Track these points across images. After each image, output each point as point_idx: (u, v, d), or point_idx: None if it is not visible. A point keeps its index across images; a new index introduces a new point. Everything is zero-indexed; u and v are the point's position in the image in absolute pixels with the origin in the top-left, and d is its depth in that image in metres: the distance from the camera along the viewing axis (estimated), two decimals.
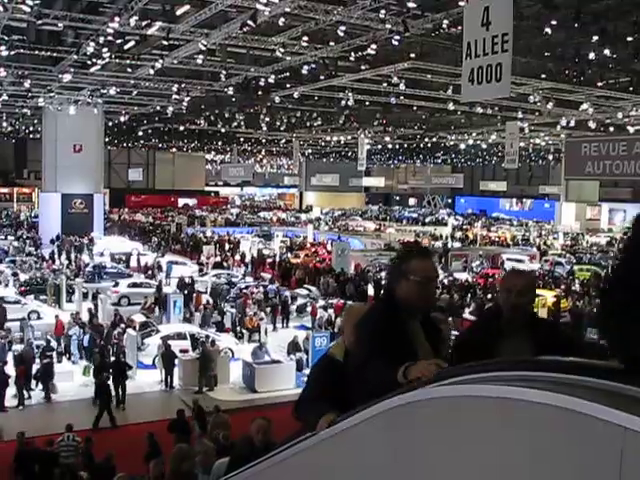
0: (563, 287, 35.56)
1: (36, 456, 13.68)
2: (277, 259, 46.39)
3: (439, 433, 2.67)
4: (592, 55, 25.32)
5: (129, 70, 32.23)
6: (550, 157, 69.87)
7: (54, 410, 18.88)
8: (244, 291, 32.16)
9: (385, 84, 32.85)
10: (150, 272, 38.12)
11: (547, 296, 31.69)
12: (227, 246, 51.95)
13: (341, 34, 24.03)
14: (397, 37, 23.27)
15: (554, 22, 21.90)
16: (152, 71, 30.32)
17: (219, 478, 5.56)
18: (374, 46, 24.86)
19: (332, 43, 26.41)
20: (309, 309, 29.77)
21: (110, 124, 52.70)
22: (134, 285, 32.85)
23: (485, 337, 3.79)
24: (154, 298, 29.69)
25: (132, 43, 26.92)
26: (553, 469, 2.13)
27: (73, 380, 21.14)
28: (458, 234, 65.62)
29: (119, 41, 26.17)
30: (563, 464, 2.11)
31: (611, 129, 43.03)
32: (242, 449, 6.19)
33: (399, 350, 3.41)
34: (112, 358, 21.26)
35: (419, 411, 2.77)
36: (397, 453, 2.95)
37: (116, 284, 33.07)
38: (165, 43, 25.82)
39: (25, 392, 19.36)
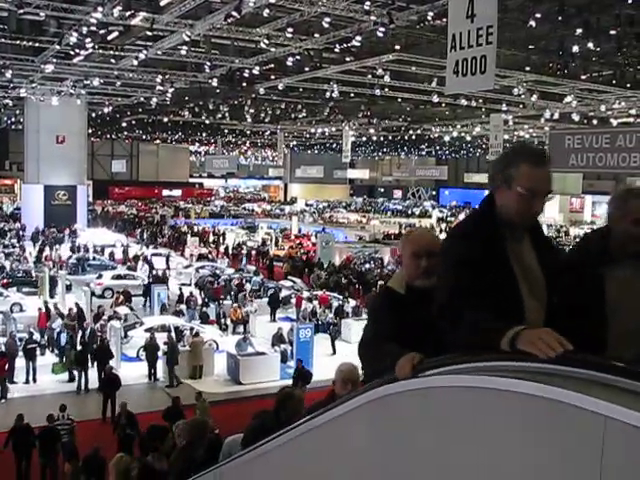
0: None
1: (38, 433, 14.21)
2: (261, 251, 46.43)
3: (423, 423, 2.69)
4: (576, 48, 25.42)
5: (112, 61, 32.04)
6: None
7: (36, 403, 18.75)
8: (231, 283, 32.27)
9: (370, 76, 32.85)
10: (133, 264, 37.93)
11: None
12: (212, 238, 51.87)
13: (326, 25, 23.97)
14: (382, 29, 23.24)
15: (538, 15, 21.96)
16: (136, 62, 30.16)
17: (230, 455, 5.40)
18: (359, 38, 24.84)
19: (317, 35, 26.36)
20: (293, 301, 29.79)
21: (93, 115, 52.36)
22: (118, 277, 32.71)
23: (597, 260, 3.04)
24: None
25: (116, 34, 26.73)
26: (536, 457, 2.15)
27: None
28: (443, 225, 65.82)
29: (102, 31, 25.97)
30: (546, 452, 2.13)
31: (594, 122, 43.24)
32: (261, 422, 5.83)
33: (498, 288, 2.72)
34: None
35: (403, 402, 2.79)
36: (381, 444, 2.96)
37: (100, 276, 32.92)
38: (149, 34, 25.66)
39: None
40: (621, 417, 1.86)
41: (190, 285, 32.77)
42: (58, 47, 28.17)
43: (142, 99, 43.50)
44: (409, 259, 3.41)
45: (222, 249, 46.93)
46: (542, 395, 2.09)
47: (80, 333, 22.35)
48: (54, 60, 31.57)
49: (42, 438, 14.13)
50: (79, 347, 21.19)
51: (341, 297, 29.95)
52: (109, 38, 27.21)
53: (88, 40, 26.42)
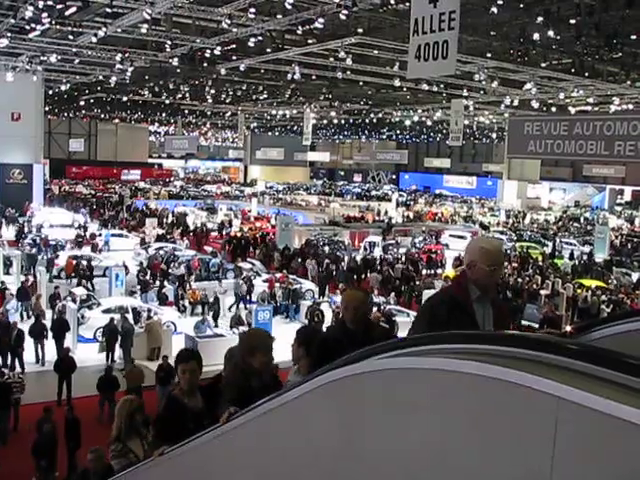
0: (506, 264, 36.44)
1: None
2: (221, 233, 46.25)
3: (382, 403, 2.71)
4: (536, 36, 25.65)
5: (70, 37, 31.30)
6: (494, 135, 70.93)
7: None
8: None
9: (332, 59, 32.74)
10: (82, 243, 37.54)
11: None
12: (170, 218, 51.42)
13: (288, 7, 23.77)
14: (345, 11, 23.13)
15: (500, 2, 22.11)
16: (95, 39, 29.47)
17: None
18: (322, 20, 24.68)
19: (279, 16, 26.11)
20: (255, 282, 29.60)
21: (50, 92, 51.30)
22: (75, 258, 32.20)
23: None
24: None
25: (74, 9, 26.15)
26: (489, 438, 2.19)
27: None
28: (401, 210, 66.16)
29: (60, 6, 25.40)
30: (499, 433, 2.16)
31: (553, 109, 43.79)
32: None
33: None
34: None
35: (362, 382, 2.81)
36: (342, 423, 2.99)
37: (56, 256, 32.41)
38: (108, 10, 25.17)
39: None
40: (574, 399, 1.89)
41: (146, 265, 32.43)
42: (13, 21, 27.50)
43: (101, 77, 42.71)
44: None
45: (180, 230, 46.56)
46: (495, 376, 2.13)
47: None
48: (8, 34, 30.76)
49: None
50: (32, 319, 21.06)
51: (300, 280, 30.00)
52: (67, 13, 26.61)
53: (45, 15, 25.77)
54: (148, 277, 29.13)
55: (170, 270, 30.67)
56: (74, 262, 30.03)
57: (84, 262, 30.19)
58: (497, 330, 3.79)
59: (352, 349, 3.11)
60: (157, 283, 28.36)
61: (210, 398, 5.06)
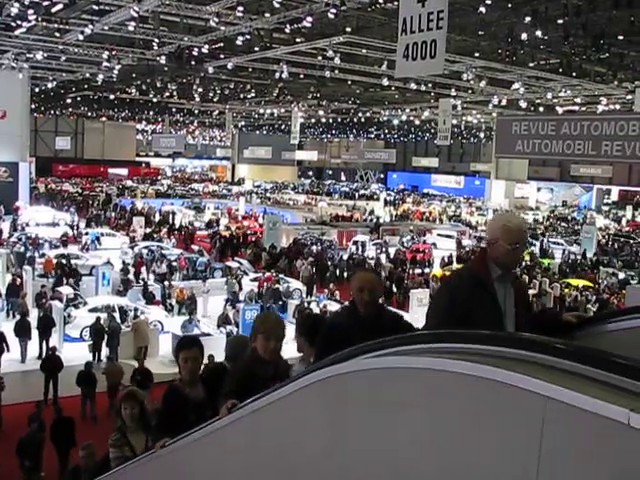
0: None
1: None
2: (209, 232, 46.14)
3: (370, 402, 2.70)
4: (524, 36, 25.75)
5: (57, 35, 31.12)
6: (481, 135, 71.14)
7: None
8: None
9: (320, 57, 32.72)
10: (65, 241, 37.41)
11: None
12: (157, 217, 51.29)
13: (277, 5, 23.76)
14: (333, 10, 23.13)
15: (488, 1, 22.16)
16: (81, 37, 29.36)
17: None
18: (310, 19, 24.68)
19: (267, 14, 26.09)
20: (244, 281, 29.57)
21: (37, 90, 51.00)
22: (62, 256, 32.04)
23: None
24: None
25: (60, 6, 25.97)
26: (476, 437, 2.18)
27: None
28: (388, 209, 66.29)
29: (46, 3, 25.25)
30: (486, 433, 2.15)
31: (541, 109, 43.98)
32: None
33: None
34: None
35: (350, 381, 2.80)
36: (330, 421, 2.97)
37: (42, 255, 32.25)
38: (95, 8, 25.03)
39: None
40: (561, 398, 1.88)
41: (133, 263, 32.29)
42: None
43: (88, 75, 42.48)
44: None
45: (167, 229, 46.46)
46: (483, 376, 2.11)
47: None
48: None
49: None
50: (18, 317, 20.90)
51: (288, 279, 30.00)
52: (53, 10, 26.45)
53: (31, 12, 25.63)
54: (131, 276, 29.06)
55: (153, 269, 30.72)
56: (54, 261, 29.85)
57: (63, 261, 29.99)
58: (519, 310, 3.72)
59: (362, 335, 3.07)
60: (141, 282, 28.31)
61: (212, 388, 4.92)
